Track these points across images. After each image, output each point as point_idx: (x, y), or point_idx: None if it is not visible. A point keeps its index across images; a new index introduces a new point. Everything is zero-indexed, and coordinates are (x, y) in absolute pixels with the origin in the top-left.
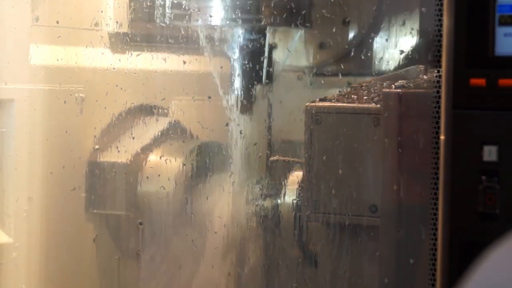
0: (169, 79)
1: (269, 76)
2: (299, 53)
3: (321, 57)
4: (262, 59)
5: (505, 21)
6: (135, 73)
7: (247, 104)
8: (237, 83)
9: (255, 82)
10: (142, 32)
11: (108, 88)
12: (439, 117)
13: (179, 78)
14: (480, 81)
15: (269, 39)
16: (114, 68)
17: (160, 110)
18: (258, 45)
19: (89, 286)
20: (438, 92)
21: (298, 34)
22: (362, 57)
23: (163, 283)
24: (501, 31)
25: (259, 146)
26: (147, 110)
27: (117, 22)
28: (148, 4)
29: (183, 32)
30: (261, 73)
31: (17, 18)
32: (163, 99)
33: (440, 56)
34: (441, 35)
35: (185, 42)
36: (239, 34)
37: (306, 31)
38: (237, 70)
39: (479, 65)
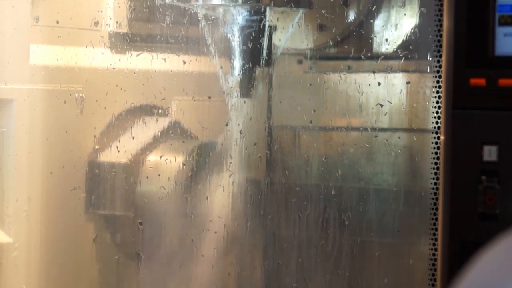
0: (169, 79)
1: (269, 58)
2: (299, 34)
3: (321, 39)
4: (261, 40)
5: (505, 21)
6: (135, 73)
7: (247, 86)
8: (237, 65)
9: (254, 65)
10: (142, 32)
11: (108, 88)
12: (439, 117)
13: (179, 78)
14: (480, 81)
15: (268, 20)
16: (114, 68)
17: (160, 110)
18: (258, 26)
19: (89, 286)
20: (438, 92)
21: (298, 16)
22: (362, 39)
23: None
24: (501, 31)
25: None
26: (147, 110)
27: (117, 22)
28: (148, 4)
29: (183, 32)
30: (260, 55)
31: (17, 18)
32: (163, 99)
33: (440, 56)
34: (441, 35)
35: (185, 42)
36: (238, 15)
37: (306, 12)
38: (236, 52)
39: (479, 65)
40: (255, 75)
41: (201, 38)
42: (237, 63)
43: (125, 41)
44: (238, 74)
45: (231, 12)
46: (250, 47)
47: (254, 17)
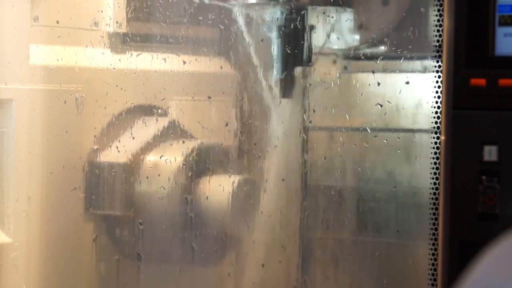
0: (169, 79)
1: (308, 58)
2: (338, 34)
3: (360, 39)
4: (300, 40)
5: (505, 21)
6: (135, 73)
7: (287, 87)
8: (276, 65)
9: (294, 65)
10: (142, 32)
11: (108, 88)
12: (439, 117)
13: (179, 78)
14: (480, 81)
15: (307, 19)
16: (114, 68)
17: (160, 110)
18: (297, 26)
19: (89, 286)
20: (438, 92)
21: (337, 15)
22: (402, 39)
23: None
24: (501, 31)
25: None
26: (147, 110)
27: (117, 22)
28: (148, 4)
29: (183, 32)
30: (299, 55)
31: (17, 18)
32: (163, 99)
33: (440, 56)
34: (441, 35)
35: (185, 42)
36: (277, 14)
37: (346, 11)
38: (275, 52)
39: (479, 65)
40: (295, 75)
41: (239, 37)
42: (276, 63)
43: (125, 41)
44: (278, 75)
45: (270, 11)
46: (290, 47)
47: (293, 17)
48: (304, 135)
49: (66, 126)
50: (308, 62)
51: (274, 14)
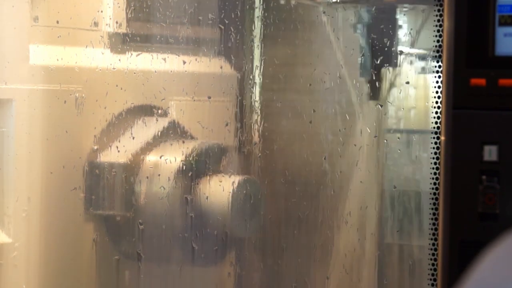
0: (169, 79)
1: (395, 59)
2: (425, 34)
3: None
4: (387, 40)
5: (505, 21)
6: (135, 73)
7: (373, 88)
8: (362, 66)
9: (380, 66)
10: (142, 32)
11: (108, 88)
12: (439, 117)
13: (179, 78)
14: (480, 81)
15: (395, 19)
16: (114, 68)
17: (160, 110)
18: (384, 26)
19: (89, 286)
20: (438, 92)
21: (424, 14)
22: None
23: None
24: (501, 31)
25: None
26: (147, 110)
27: (116, 22)
28: (148, 3)
29: (183, 32)
30: (386, 56)
31: (17, 18)
32: (163, 99)
33: (440, 56)
34: (441, 35)
35: (185, 42)
36: (364, 13)
37: (434, 10)
38: (363, 52)
39: (479, 65)
40: (381, 76)
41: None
42: (366, 64)
43: (125, 41)
44: (364, 75)
45: (356, 10)
46: (375, 47)
47: (380, 16)
48: (385, 136)
49: (66, 126)
50: (395, 63)
51: (360, 14)
